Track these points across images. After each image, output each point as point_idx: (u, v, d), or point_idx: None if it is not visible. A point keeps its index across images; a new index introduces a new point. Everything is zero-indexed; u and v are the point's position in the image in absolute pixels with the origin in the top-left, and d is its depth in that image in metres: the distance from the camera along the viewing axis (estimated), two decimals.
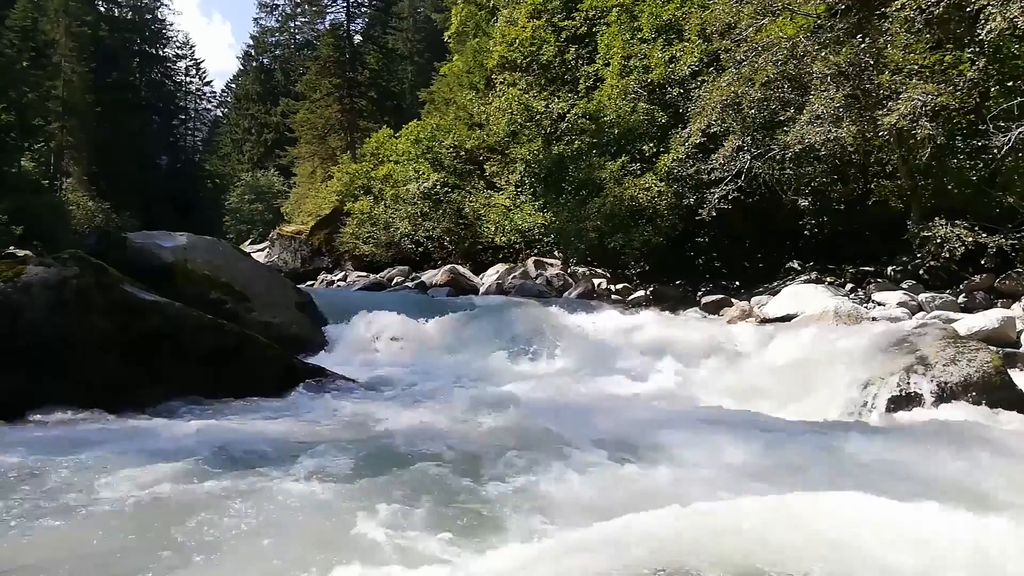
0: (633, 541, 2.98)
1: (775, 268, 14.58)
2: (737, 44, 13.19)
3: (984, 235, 10.90)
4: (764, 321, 11.42)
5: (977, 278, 11.42)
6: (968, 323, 9.13)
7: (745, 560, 2.76)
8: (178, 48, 57.94)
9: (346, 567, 3.00)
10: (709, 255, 15.76)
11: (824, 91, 12.12)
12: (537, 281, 16.59)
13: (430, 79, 35.17)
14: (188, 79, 59.98)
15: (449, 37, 29.88)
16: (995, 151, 10.46)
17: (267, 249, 32.37)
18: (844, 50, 11.54)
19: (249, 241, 40.94)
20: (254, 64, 55.35)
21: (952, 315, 10.05)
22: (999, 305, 10.46)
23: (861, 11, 11.91)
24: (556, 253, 18.25)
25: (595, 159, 16.60)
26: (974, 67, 11.04)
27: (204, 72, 63.05)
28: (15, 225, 18.54)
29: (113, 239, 10.18)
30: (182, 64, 58.83)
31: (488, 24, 25.98)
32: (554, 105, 18.02)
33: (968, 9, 10.60)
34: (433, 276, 19.50)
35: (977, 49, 11.01)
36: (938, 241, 11.15)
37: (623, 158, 16.17)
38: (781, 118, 13.27)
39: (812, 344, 8.15)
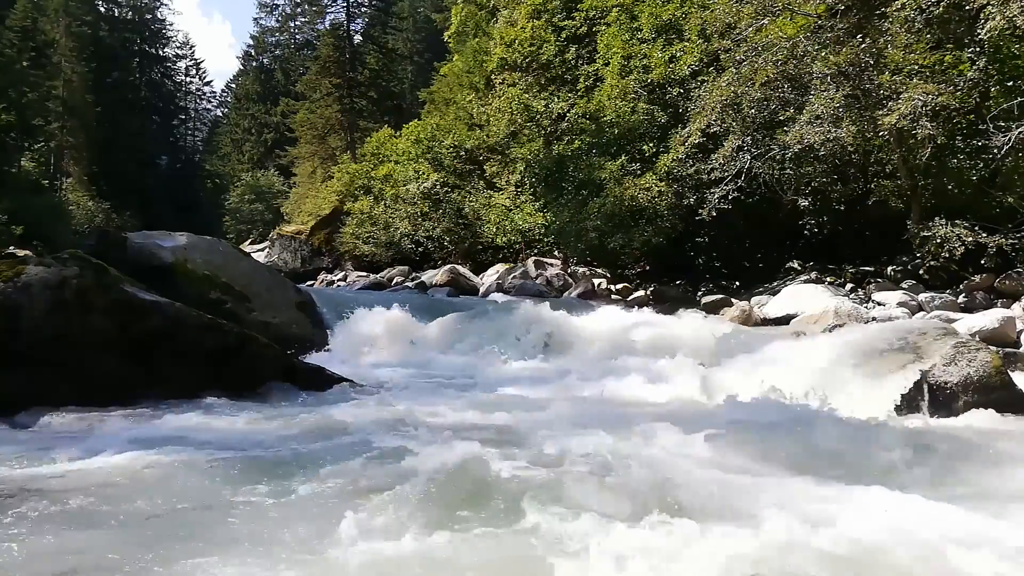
0: None
1: (775, 268, 14.58)
2: (737, 44, 13.19)
3: (984, 235, 10.90)
4: (764, 321, 11.42)
5: (977, 278, 11.42)
6: (968, 323, 9.13)
7: None
8: (178, 48, 58.16)
9: (340, 569, 3.00)
10: (709, 255, 15.76)
11: (824, 91, 12.13)
12: (537, 281, 16.59)
13: (430, 79, 35.16)
14: (188, 79, 60.15)
15: (449, 37, 29.88)
16: (995, 151, 10.46)
17: (267, 249, 32.39)
18: (844, 50, 11.54)
19: (249, 241, 40.93)
20: (254, 64, 55.38)
21: (952, 315, 10.05)
22: (999, 305, 10.46)
23: (861, 11, 11.91)
24: (556, 253, 18.25)
25: (595, 159, 16.60)
26: (974, 67, 11.04)
27: (204, 72, 63.27)
28: (15, 225, 18.56)
29: (113, 239, 10.18)
30: (182, 64, 59.06)
31: (488, 24, 25.98)
32: (554, 105, 18.03)
33: (968, 9, 10.61)
34: (433, 276, 19.50)
35: (977, 49, 11.02)
36: (938, 241, 11.15)
37: (623, 158, 16.17)
38: (781, 118, 13.27)
39: (811, 345, 8.15)
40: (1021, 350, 8.67)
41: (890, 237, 13.05)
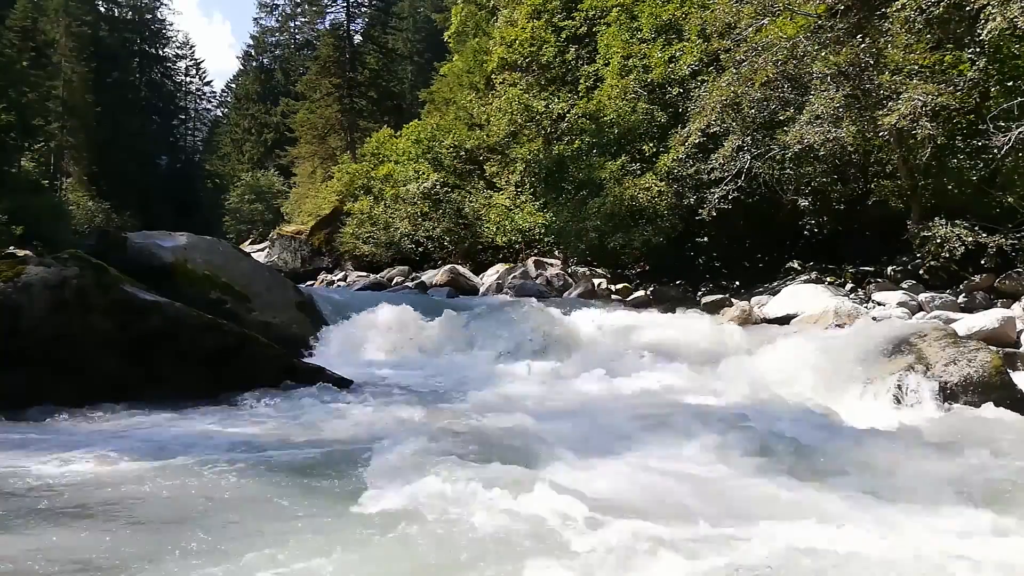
0: None
1: (775, 268, 14.58)
2: (737, 44, 13.19)
3: (984, 235, 10.89)
4: (764, 321, 11.42)
5: (977, 278, 11.41)
6: (968, 323, 9.13)
7: None
8: (178, 48, 58.18)
9: (341, 568, 3.00)
10: (709, 255, 15.76)
11: (824, 91, 12.12)
12: (537, 281, 16.59)
13: (430, 79, 35.15)
14: (188, 79, 60.18)
15: (449, 37, 29.87)
16: (995, 151, 10.45)
17: (267, 249, 32.37)
18: (844, 50, 11.53)
19: (249, 241, 40.91)
20: (254, 64, 55.34)
21: (952, 315, 10.05)
22: (999, 305, 10.45)
23: (861, 11, 11.90)
24: (556, 253, 18.25)
25: (595, 159, 16.60)
26: (974, 67, 11.03)
27: (204, 72, 63.25)
28: (15, 225, 18.54)
29: (113, 239, 10.16)
30: (182, 64, 59.08)
31: (488, 24, 25.97)
32: (554, 105, 18.02)
33: (968, 9, 10.60)
34: (433, 276, 19.48)
35: (977, 49, 11.01)
36: (938, 241, 11.14)
37: (623, 158, 16.16)
38: (781, 118, 13.26)
39: (811, 345, 8.14)
40: (1021, 350, 8.67)
41: (890, 237, 13.04)
